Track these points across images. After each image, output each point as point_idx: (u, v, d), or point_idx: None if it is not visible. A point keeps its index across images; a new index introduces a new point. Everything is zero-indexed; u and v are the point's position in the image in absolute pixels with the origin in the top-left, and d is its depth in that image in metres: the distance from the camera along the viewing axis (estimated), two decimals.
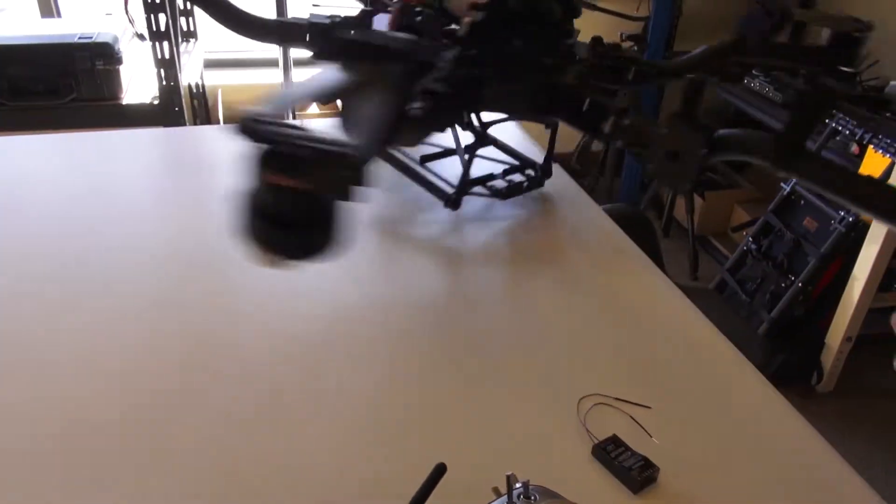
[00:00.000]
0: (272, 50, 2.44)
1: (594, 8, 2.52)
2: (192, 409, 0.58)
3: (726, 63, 0.81)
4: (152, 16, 1.80)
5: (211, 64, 2.52)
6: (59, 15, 2.42)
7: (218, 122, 2.49)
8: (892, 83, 1.73)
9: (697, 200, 2.54)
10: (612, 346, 0.66)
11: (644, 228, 1.88)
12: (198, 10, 2.25)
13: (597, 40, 0.73)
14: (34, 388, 0.58)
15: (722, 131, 0.59)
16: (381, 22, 0.79)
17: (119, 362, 0.62)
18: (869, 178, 0.53)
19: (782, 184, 2.01)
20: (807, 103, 0.54)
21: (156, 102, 1.91)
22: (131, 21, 1.97)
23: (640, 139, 0.64)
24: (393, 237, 0.82)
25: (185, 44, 2.22)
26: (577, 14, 0.76)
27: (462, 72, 0.68)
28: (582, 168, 2.57)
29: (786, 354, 1.90)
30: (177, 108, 1.89)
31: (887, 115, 1.88)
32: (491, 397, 0.60)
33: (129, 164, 0.99)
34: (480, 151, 0.90)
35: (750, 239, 2.10)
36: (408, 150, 0.90)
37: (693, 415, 0.61)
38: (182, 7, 2.20)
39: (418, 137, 0.71)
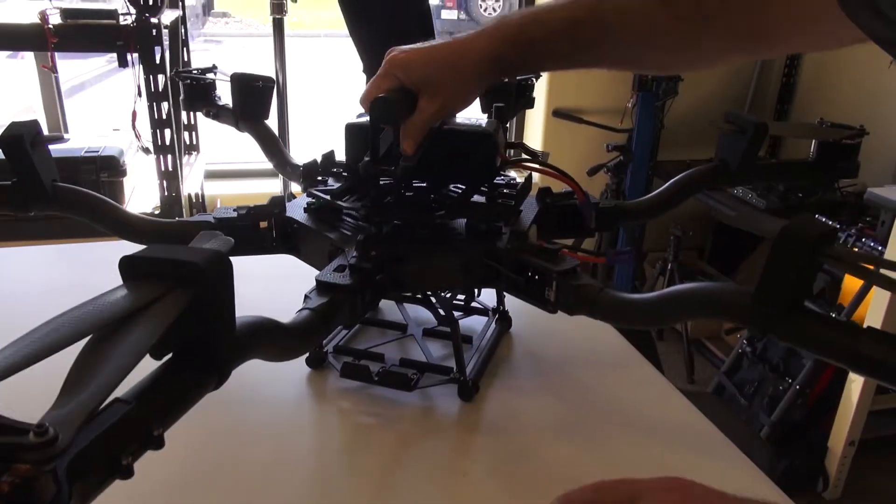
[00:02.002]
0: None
1: (580, 121, 2.65)
2: None
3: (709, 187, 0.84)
4: (158, 131, 1.88)
5: (211, 175, 2.60)
6: (66, 131, 2.52)
7: None
8: (870, 190, 1.80)
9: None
10: (623, 457, 0.66)
11: (642, 334, 1.89)
12: (201, 123, 2.35)
13: (544, 192, 0.74)
14: None
15: (690, 290, 0.53)
16: (295, 209, 0.73)
17: None
18: (877, 334, 0.43)
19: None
20: (785, 249, 0.44)
21: (157, 212, 1.95)
22: (138, 136, 2.05)
23: (593, 307, 0.58)
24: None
25: (187, 156, 2.30)
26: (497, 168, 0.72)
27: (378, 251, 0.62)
28: None
29: (790, 460, 1.87)
30: (177, 217, 1.93)
31: (867, 219, 1.95)
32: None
33: None
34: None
35: (745, 342, 2.11)
36: None
37: None
38: (186, 122, 2.30)
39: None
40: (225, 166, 2.93)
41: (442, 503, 0.59)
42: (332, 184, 0.76)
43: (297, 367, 0.76)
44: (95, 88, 5.29)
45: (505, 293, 0.82)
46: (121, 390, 0.36)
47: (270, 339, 0.46)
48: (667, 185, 0.80)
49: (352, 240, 0.64)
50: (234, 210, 0.71)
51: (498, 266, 0.63)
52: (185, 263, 0.36)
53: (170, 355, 0.39)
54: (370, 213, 0.65)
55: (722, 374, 2.16)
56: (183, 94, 0.98)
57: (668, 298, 0.55)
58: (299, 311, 0.54)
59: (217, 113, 0.97)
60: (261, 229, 0.71)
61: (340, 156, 0.77)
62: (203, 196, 2.49)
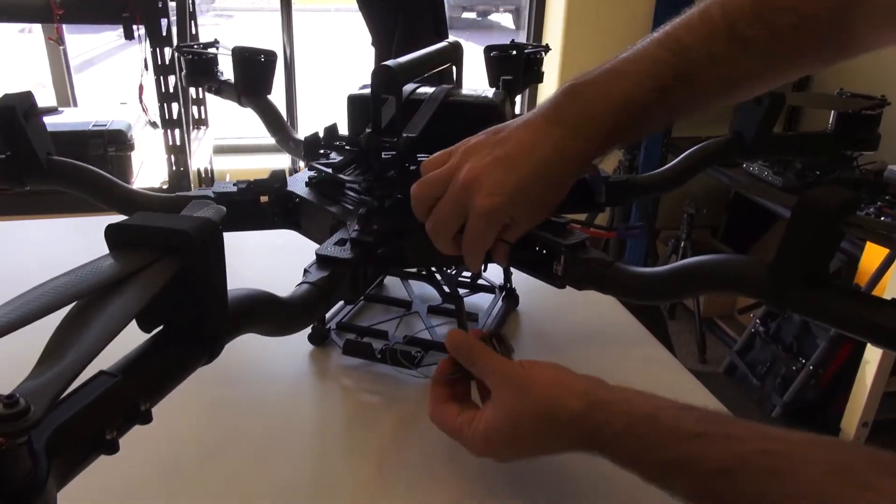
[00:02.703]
0: None
1: None
2: None
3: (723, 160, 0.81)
4: (165, 105, 1.86)
5: (220, 150, 2.59)
6: (75, 104, 2.51)
7: None
8: (890, 167, 1.76)
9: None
10: None
11: (652, 312, 1.87)
12: (210, 97, 2.33)
13: None
14: None
15: (702, 263, 0.51)
16: (297, 183, 0.71)
17: None
18: None
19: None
20: (805, 219, 0.42)
21: (165, 187, 1.94)
22: (145, 110, 2.03)
23: (603, 281, 0.56)
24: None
25: (196, 131, 2.29)
26: None
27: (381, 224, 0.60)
28: None
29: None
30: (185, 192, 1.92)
31: (886, 197, 1.90)
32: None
33: None
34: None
35: (757, 321, 2.08)
36: None
37: None
38: (194, 96, 2.28)
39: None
40: (235, 141, 2.92)
41: (444, 485, 0.58)
42: (336, 158, 0.74)
43: (300, 344, 0.75)
44: (107, 63, 5.28)
45: (512, 270, 0.80)
46: (108, 363, 0.35)
47: (266, 313, 0.44)
48: (679, 158, 0.78)
49: (354, 214, 0.62)
50: (234, 185, 0.69)
51: (504, 240, 0.61)
52: (174, 231, 0.34)
53: (160, 328, 0.38)
54: (372, 187, 0.63)
55: (734, 353, 2.13)
56: (184, 70, 0.96)
57: (680, 272, 0.53)
58: (299, 284, 0.52)
59: (219, 88, 0.95)
60: (261, 204, 0.69)
61: (344, 129, 0.75)
62: (212, 171, 2.47)
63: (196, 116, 2.33)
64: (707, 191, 2.71)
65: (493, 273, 0.85)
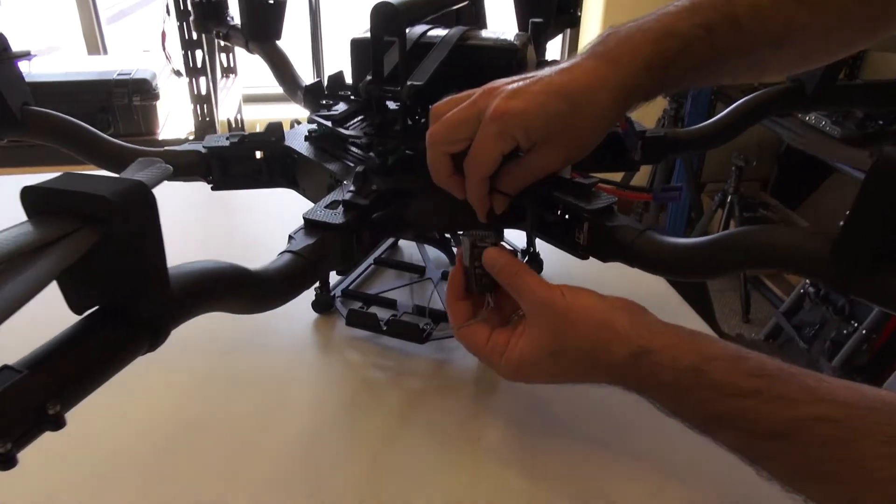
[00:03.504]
0: None
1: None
2: None
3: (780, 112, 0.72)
4: (189, 52, 1.80)
5: (250, 99, 2.53)
6: (105, 52, 2.47)
7: None
8: None
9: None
10: (663, 423, 0.58)
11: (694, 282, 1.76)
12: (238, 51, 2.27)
13: None
14: None
15: (751, 235, 0.44)
16: (295, 137, 0.64)
17: None
18: None
19: (840, 222, 1.88)
20: (883, 183, 0.35)
21: (191, 138, 1.90)
22: (168, 58, 1.98)
23: (630, 253, 0.49)
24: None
25: (224, 79, 2.23)
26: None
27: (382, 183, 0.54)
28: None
29: None
30: None
31: None
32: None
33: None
34: None
35: (807, 281, 1.97)
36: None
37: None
38: (221, 44, 2.22)
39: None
40: (266, 90, 2.86)
41: (449, 473, 0.52)
42: (343, 109, 0.67)
43: (303, 311, 0.70)
44: (140, 13, 5.23)
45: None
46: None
47: (231, 290, 0.38)
48: (730, 109, 0.69)
49: (354, 172, 0.55)
50: (227, 138, 0.63)
51: (522, 204, 0.53)
52: (91, 197, 0.28)
53: (94, 309, 0.32)
54: (373, 142, 0.56)
55: (780, 314, 2.03)
56: (193, 15, 0.89)
57: (723, 244, 0.45)
58: (281, 253, 0.46)
59: (227, 34, 0.89)
60: (257, 160, 0.63)
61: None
62: (242, 121, 2.42)
63: (224, 64, 2.27)
64: (758, 141, 2.56)
65: (516, 236, 0.78)
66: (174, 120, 2.05)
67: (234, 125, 2.38)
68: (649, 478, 0.52)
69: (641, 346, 0.42)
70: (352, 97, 0.66)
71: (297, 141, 0.64)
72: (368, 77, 0.56)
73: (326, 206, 0.51)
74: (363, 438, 0.55)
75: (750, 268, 0.45)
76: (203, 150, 0.62)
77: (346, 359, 0.65)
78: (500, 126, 0.46)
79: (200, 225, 0.90)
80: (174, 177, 0.63)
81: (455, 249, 0.68)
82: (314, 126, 0.64)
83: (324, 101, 0.67)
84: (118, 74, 1.89)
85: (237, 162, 0.63)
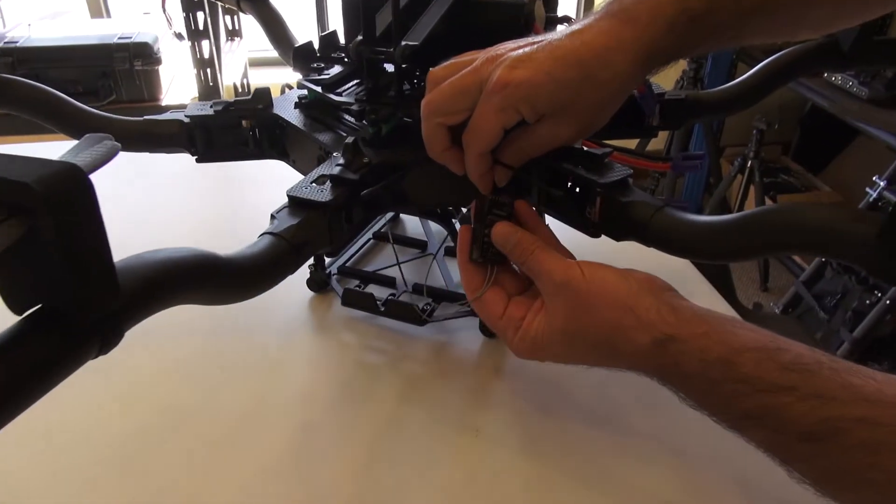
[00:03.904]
0: None
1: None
2: None
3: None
4: (190, 14, 1.74)
5: (257, 63, 2.47)
6: (108, 16, 2.41)
7: None
8: None
9: (769, 204, 2.34)
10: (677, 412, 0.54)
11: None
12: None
13: None
14: None
15: (784, 213, 0.39)
16: (285, 104, 0.60)
17: None
18: None
19: (867, 189, 1.81)
20: None
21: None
22: (169, 20, 1.92)
23: (646, 232, 0.44)
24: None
25: (229, 42, 2.17)
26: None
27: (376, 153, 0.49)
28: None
29: None
30: None
31: None
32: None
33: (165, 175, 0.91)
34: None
35: None
36: None
37: None
38: (225, 6, 2.15)
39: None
40: (273, 53, 2.79)
41: (448, 465, 0.49)
42: (336, 72, 0.62)
43: (298, 290, 0.66)
44: None
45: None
46: None
47: (197, 281, 0.34)
48: (757, 68, 0.63)
49: (343, 143, 0.51)
50: (211, 106, 0.58)
51: (527, 176, 0.49)
52: (13, 184, 0.24)
53: (36, 308, 0.28)
54: (364, 110, 0.52)
55: (800, 283, 1.97)
56: None
57: (751, 224, 0.40)
58: (261, 235, 0.42)
59: None
60: (243, 129, 0.59)
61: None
62: (248, 86, 2.37)
63: (229, 27, 2.20)
64: (780, 103, 2.47)
65: None
66: (178, 85, 2.00)
67: (240, 90, 2.32)
68: (663, 471, 0.49)
69: (666, 334, 0.38)
70: (346, 59, 0.61)
71: (287, 108, 0.59)
72: (359, 37, 0.51)
73: (313, 182, 0.46)
74: (358, 428, 0.52)
75: (781, 251, 0.40)
76: (185, 120, 0.57)
77: (342, 341, 0.61)
78: (503, 99, 0.41)
79: (185, 201, 0.85)
80: (155, 148, 0.59)
81: (465, 210, 0.63)
82: (304, 92, 0.59)
83: (315, 65, 0.62)
84: (119, 38, 1.84)
85: (222, 132, 0.58)
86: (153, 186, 0.87)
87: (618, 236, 0.47)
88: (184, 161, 0.61)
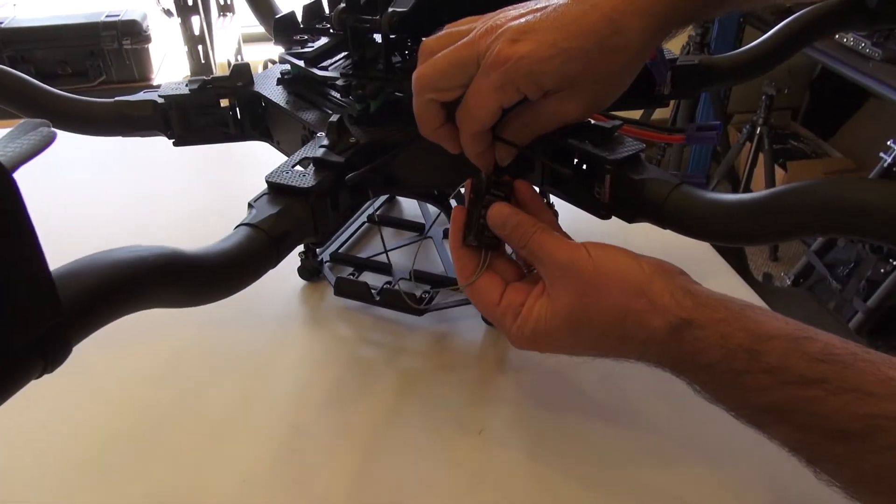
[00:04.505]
0: None
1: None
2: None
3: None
4: None
5: (251, 38, 2.40)
6: None
7: None
8: None
9: (779, 172, 2.29)
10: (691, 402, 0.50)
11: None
12: None
13: None
14: None
15: (814, 190, 0.34)
16: (267, 80, 0.56)
17: None
18: None
19: (882, 153, 1.75)
20: None
21: None
22: None
23: (662, 213, 0.40)
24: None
25: (221, 18, 2.11)
26: None
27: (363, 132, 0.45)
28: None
29: (886, 352, 1.67)
30: None
31: None
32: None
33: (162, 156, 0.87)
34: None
35: None
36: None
37: None
38: None
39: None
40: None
41: (449, 468, 0.45)
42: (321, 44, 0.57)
43: (289, 279, 0.62)
44: None
45: None
46: None
47: (157, 284, 0.30)
48: (776, 29, 0.58)
49: (328, 122, 0.47)
50: (187, 84, 0.54)
51: (530, 153, 0.44)
52: None
53: None
54: (350, 84, 0.47)
55: (811, 252, 1.92)
56: None
57: (781, 203, 0.36)
58: (237, 227, 0.38)
59: None
60: (222, 109, 0.54)
61: None
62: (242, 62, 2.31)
63: (221, 2, 2.14)
64: (789, 66, 2.39)
65: None
66: (170, 64, 1.94)
67: None
68: (687, 470, 0.45)
69: (683, 318, 0.34)
70: (331, 30, 0.56)
71: (269, 85, 0.55)
72: (342, 4, 0.46)
73: (295, 166, 0.42)
74: (353, 429, 0.48)
75: (817, 234, 0.36)
76: (159, 100, 0.53)
77: (336, 333, 0.57)
78: (501, 76, 0.37)
79: (163, 189, 0.81)
80: (129, 132, 0.55)
81: (462, 190, 0.59)
82: (287, 67, 0.55)
83: (299, 37, 0.57)
84: (106, 17, 1.78)
85: (200, 112, 0.54)
86: (128, 172, 0.83)
87: (630, 217, 0.43)
88: (160, 145, 0.57)
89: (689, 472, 0.45)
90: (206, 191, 0.80)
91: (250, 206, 0.40)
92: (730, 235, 0.39)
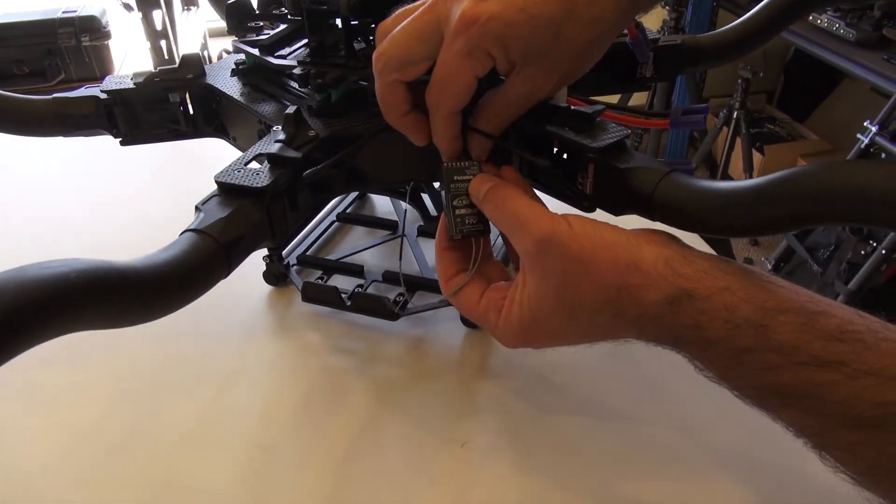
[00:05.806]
0: None
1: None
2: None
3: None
4: None
5: (218, 33, 2.34)
6: None
7: None
8: None
9: (756, 156, 2.28)
10: (683, 397, 0.47)
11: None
12: None
13: None
14: None
15: (816, 176, 0.31)
16: (220, 72, 0.52)
17: None
18: None
19: (859, 134, 1.74)
20: None
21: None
22: None
23: (650, 204, 0.36)
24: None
25: (185, 12, 2.04)
26: None
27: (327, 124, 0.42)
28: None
29: None
30: None
31: None
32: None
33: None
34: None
35: None
36: None
37: None
38: None
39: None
40: None
41: (425, 491, 0.42)
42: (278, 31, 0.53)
43: (254, 284, 0.58)
44: None
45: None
46: None
47: (85, 304, 0.26)
48: (762, 5, 0.55)
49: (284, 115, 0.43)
50: (132, 78, 0.49)
51: (505, 143, 0.41)
52: None
53: None
54: (309, 73, 0.43)
55: (791, 236, 1.92)
56: None
57: (782, 190, 0.32)
58: (182, 233, 0.34)
59: None
60: (172, 104, 0.50)
61: None
62: (209, 58, 2.25)
63: None
64: (765, 48, 2.39)
65: None
66: (133, 60, 1.88)
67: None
68: (685, 476, 0.42)
69: (682, 288, 0.31)
70: (289, 15, 0.52)
71: (222, 77, 0.51)
72: None
73: (248, 163, 0.38)
74: (325, 446, 0.45)
75: (820, 223, 0.33)
76: (102, 96, 0.49)
77: (305, 342, 0.53)
78: (470, 40, 0.33)
79: (112, 191, 0.76)
80: (71, 131, 0.50)
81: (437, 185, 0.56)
82: (242, 57, 0.50)
83: (254, 24, 0.53)
84: (63, 13, 1.71)
85: (147, 108, 0.50)
86: (74, 174, 0.78)
87: (616, 210, 0.40)
88: (108, 144, 0.53)
89: (682, 482, 0.42)
90: (163, 193, 0.75)
91: (198, 209, 0.36)
92: (724, 227, 0.36)
